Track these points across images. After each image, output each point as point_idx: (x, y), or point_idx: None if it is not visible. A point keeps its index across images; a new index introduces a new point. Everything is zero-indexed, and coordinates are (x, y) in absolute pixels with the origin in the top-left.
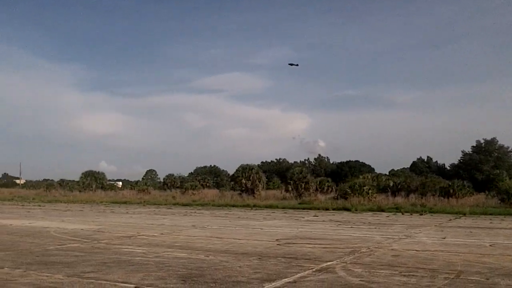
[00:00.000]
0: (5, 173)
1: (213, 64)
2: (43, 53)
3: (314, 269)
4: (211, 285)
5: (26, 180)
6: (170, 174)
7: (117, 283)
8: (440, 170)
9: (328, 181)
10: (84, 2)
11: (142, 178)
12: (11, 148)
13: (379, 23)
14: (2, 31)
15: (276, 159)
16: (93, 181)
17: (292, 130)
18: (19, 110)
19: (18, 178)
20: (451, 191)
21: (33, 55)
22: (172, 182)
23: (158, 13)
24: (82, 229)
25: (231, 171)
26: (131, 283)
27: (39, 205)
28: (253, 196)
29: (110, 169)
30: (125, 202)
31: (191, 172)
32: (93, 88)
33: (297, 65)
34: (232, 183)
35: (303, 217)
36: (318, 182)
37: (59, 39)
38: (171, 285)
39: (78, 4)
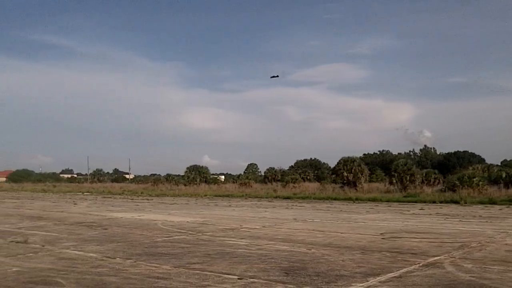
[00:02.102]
0: (115, 169)
1: (312, 56)
2: (147, 53)
3: (420, 264)
4: (314, 278)
5: (135, 175)
6: (271, 168)
7: (221, 274)
8: None
9: (434, 173)
10: (183, 2)
11: (244, 172)
12: (120, 145)
13: (486, 7)
14: (108, 34)
15: (379, 151)
16: (197, 175)
17: (395, 121)
18: (127, 108)
19: (127, 173)
20: None
21: (137, 55)
22: (273, 175)
23: (254, 7)
24: (187, 222)
25: (332, 164)
26: (234, 275)
27: (147, 199)
28: (355, 189)
29: (213, 163)
30: (227, 195)
31: (292, 165)
32: (195, 85)
33: (277, 76)
34: (333, 176)
35: (408, 211)
36: (424, 174)
37: (161, 40)
38: (274, 277)
39: (178, 5)
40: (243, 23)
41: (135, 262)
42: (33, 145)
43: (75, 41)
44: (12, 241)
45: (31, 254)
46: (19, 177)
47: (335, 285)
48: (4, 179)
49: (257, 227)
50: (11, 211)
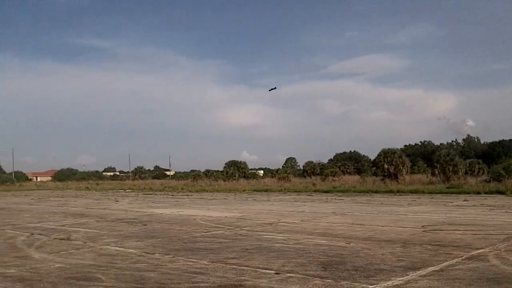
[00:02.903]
0: (156, 166)
1: (349, 47)
2: (187, 52)
3: (463, 257)
4: (352, 272)
5: (175, 172)
6: (309, 161)
7: (258, 269)
8: None
9: (478, 163)
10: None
11: (282, 166)
12: (161, 142)
13: None
14: (148, 35)
15: (420, 142)
16: (236, 170)
17: (436, 111)
18: (167, 107)
19: (168, 170)
20: None
21: (177, 54)
22: (312, 169)
23: (290, 1)
24: (226, 217)
25: (372, 156)
26: (271, 269)
27: (187, 195)
28: (397, 181)
29: (251, 159)
30: (266, 190)
31: (331, 159)
32: (234, 82)
33: (275, 88)
34: (373, 168)
35: (452, 202)
36: (467, 165)
37: (200, 38)
38: (311, 272)
39: (216, 3)
40: (280, 18)
41: (173, 257)
42: (77, 145)
43: (115, 43)
44: (56, 238)
45: (73, 251)
46: (64, 176)
47: (373, 280)
48: (49, 178)
49: (296, 221)
50: (55, 209)
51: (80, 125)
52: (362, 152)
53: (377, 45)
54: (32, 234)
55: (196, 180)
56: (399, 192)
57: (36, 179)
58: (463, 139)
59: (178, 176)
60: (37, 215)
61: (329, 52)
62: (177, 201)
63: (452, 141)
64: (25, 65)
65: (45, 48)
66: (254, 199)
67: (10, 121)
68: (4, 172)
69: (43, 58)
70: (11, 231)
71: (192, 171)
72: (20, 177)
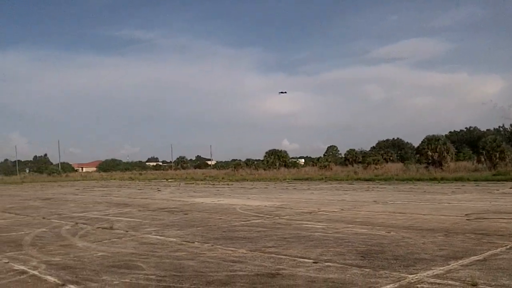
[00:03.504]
0: (198, 156)
1: (391, 31)
2: (225, 41)
3: (508, 247)
4: (392, 262)
5: (216, 161)
6: (351, 149)
7: (296, 258)
8: None
9: None
10: None
11: (324, 154)
12: (202, 132)
13: None
14: (187, 26)
15: (465, 128)
16: (276, 159)
17: (482, 95)
18: (207, 97)
19: (209, 160)
20: None
21: (216, 43)
22: (353, 157)
23: None
24: (265, 206)
25: (415, 143)
26: (309, 258)
27: (228, 184)
28: (441, 168)
29: (292, 147)
30: (307, 179)
31: (373, 146)
32: (273, 70)
33: (285, 92)
34: (417, 155)
35: (497, 190)
36: None
37: (239, 27)
38: (350, 261)
39: None
40: (319, 3)
41: (212, 246)
42: (121, 136)
43: (155, 34)
44: (99, 227)
45: (115, 240)
46: (108, 166)
47: (413, 269)
48: (94, 169)
49: (336, 210)
50: (99, 199)
51: (123, 116)
52: (406, 139)
53: (420, 29)
54: (77, 223)
55: (236, 170)
56: (443, 180)
57: (82, 169)
58: (511, 125)
59: (219, 165)
60: (81, 205)
61: (370, 37)
62: (218, 190)
63: (499, 126)
64: (68, 58)
65: (87, 40)
66: (294, 188)
67: (56, 113)
68: (51, 163)
69: (86, 50)
70: (57, 221)
71: (233, 160)
72: (66, 168)
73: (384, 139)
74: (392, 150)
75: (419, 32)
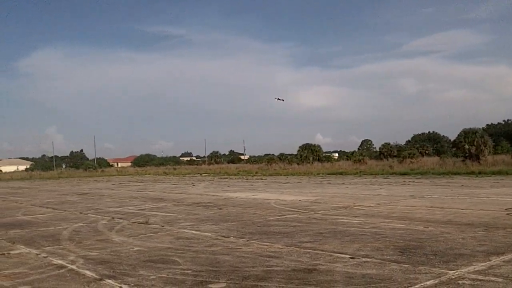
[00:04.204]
0: (231, 150)
1: (426, 24)
2: (258, 36)
3: None
4: (431, 257)
5: (249, 156)
6: (386, 143)
7: (332, 253)
8: None
9: None
10: None
11: (358, 148)
12: (235, 127)
13: None
14: (219, 21)
15: (503, 121)
16: (309, 153)
17: None
18: (241, 92)
19: (242, 154)
20: None
21: (248, 38)
22: (388, 151)
23: None
24: (300, 201)
25: (452, 137)
26: (346, 254)
27: (261, 179)
28: (478, 162)
29: (325, 141)
30: (341, 173)
31: (409, 140)
32: (305, 64)
33: (282, 100)
34: (453, 149)
35: None
36: None
37: (271, 21)
38: (388, 257)
39: None
40: None
41: (248, 241)
42: (155, 132)
43: (188, 30)
44: (135, 222)
45: (151, 234)
46: (143, 161)
47: (454, 265)
48: (129, 164)
49: (371, 205)
50: (135, 193)
51: (157, 111)
52: (442, 133)
53: (455, 21)
54: (113, 218)
55: (270, 164)
56: (481, 173)
57: (117, 165)
58: None
59: (252, 160)
60: (117, 199)
61: (405, 30)
62: (252, 185)
63: None
64: (102, 54)
65: (121, 37)
66: (329, 183)
67: (92, 109)
68: (87, 159)
69: (119, 46)
70: (94, 215)
71: (266, 155)
72: (102, 163)
73: (420, 133)
74: (428, 143)
75: (455, 24)
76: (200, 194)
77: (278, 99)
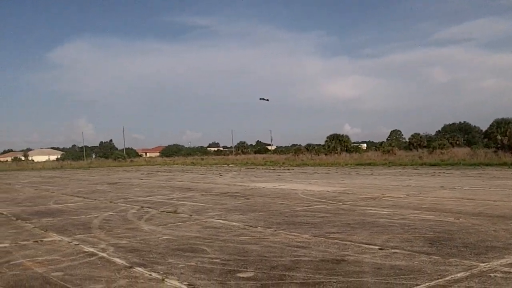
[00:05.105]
0: (258, 141)
1: (458, 12)
2: (286, 25)
3: None
4: (461, 249)
5: (276, 146)
6: (415, 134)
7: (361, 244)
8: None
9: None
10: None
11: (387, 139)
12: (262, 117)
13: None
14: (246, 11)
15: None
16: (337, 144)
17: None
18: (268, 81)
19: (269, 145)
20: None
21: (276, 28)
22: (418, 142)
23: None
24: (327, 191)
25: (484, 127)
26: (375, 245)
27: (288, 169)
28: (511, 153)
29: (353, 132)
30: (369, 164)
31: (439, 130)
32: (334, 53)
33: (267, 99)
34: (485, 140)
35: None
36: None
37: (299, 10)
38: (417, 248)
39: None
40: None
41: (275, 231)
42: (183, 122)
43: (215, 21)
44: (164, 211)
45: (180, 223)
46: (171, 152)
47: (485, 257)
48: (157, 154)
49: (401, 196)
50: (163, 183)
51: (185, 102)
52: (473, 123)
53: (489, 8)
54: (142, 207)
55: (297, 155)
56: None
57: (146, 155)
58: None
59: (279, 150)
60: (146, 189)
61: (436, 18)
62: (279, 175)
63: None
64: (131, 45)
65: (149, 27)
66: (357, 173)
67: (121, 99)
68: (116, 149)
69: (147, 37)
70: (123, 205)
71: (293, 145)
72: (131, 153)
73: (450, 123)
74: (459, 134)
75: (488, 12)
76: (227, 184)
77: (263, 99)
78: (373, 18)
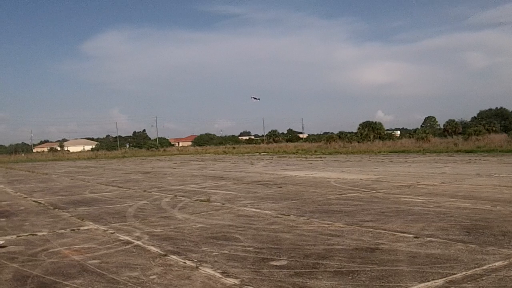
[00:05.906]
0: (289, 129)
1: None
2: (318, 12)
3: None
4: (499, 238)
5: (308, 134)
6: (450, 120)
7: (395, 233)
8: None
9: None
10: None
11: (421, 126)
12: (293, 105)
13: None
14: None
15: None
16: (370, 131)
17: None
18: (299, 69)
19: (300, 133)
20: None
21: (309, 15)
22: (453, 128)
23: None
24: (360, 179)
25: None
26: (410, 233)
27: (320, 157)
28: None
29: (387, 119)
30: (403, 151)
31: (475, 116)
32: (367, 39)
33: (258, 99)
34: None
35: None
36: None
37: None
38: (454, 237)
39: None
40: None
41: (308, 219)
42: (215, 111)
43: (248, 8)
44: (197, 200)
45: (212, 212)
46: (203, 141)
47: None
48: (189, 143)
49: (436, 183)
50: (195, 172)
51: (217, 91)
52: (510, 109)
53: None
54: (175, 196)
55: (329, 142)
56: None
57: (178, 144)
58: None
59: (311, 138)
60: (179, 178)
61: (471, 1)
62: (311, 163)
63: None
64: (163, 35)
65: (181, 17)
66: (391, 161)
67: (153, 89)
68: (149, 138)
69: (180, 27)
70: (157, 193)
71: (325, 133)
72: (164, 143)
73: (487, 109)
74: (495, 120)
75: None
76: (259, 172)
77: (254, 98)
78: (406, 3)
